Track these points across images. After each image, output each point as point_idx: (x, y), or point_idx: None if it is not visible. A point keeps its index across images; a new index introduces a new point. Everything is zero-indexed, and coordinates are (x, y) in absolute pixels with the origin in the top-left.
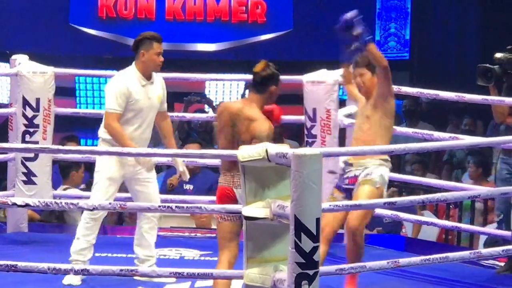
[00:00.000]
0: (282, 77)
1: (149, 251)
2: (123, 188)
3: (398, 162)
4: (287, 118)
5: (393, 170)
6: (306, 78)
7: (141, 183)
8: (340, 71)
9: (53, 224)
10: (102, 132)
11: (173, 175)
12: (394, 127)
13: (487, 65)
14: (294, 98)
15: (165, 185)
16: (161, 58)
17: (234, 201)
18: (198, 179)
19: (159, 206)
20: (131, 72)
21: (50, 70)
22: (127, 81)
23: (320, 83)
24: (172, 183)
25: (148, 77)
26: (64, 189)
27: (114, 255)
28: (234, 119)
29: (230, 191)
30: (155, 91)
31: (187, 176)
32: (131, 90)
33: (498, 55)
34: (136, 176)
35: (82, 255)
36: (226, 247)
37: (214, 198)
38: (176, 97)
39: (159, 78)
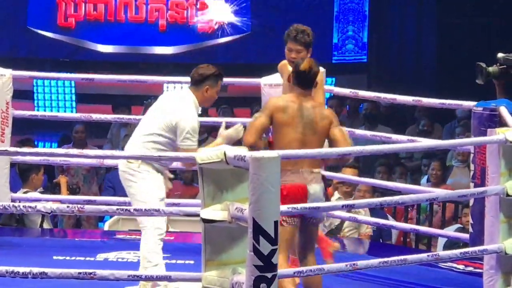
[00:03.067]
0: (239, 79)
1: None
2: (81, 191)
3: (368, 165)
4: (243, 120)
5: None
6: (263, 81)
7: None
8: None
9: (13, 228)
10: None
11: None
12: (353, 129)
13: (481, 63)
14: (251, 101)
15: (107, 191)
16: None
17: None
18: None
19: (117, 209)
20: (192, 102)
21: (8, 72)
22: (196, 114)
23: (277, 86)
24: None
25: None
26: (24, 192)
27: (73, 258)
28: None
29: (304, 188)
30: None
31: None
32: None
33: (499, 54)
34: None
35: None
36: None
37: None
38: (135, 100)
39: None
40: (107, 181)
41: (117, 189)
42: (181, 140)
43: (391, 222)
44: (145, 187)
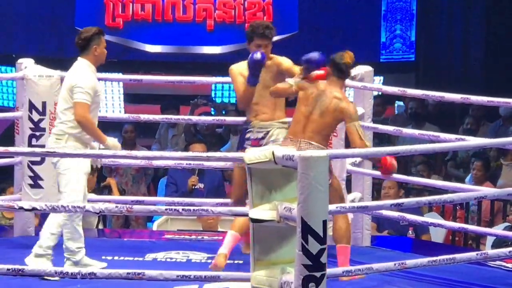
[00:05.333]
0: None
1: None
2: (130, 191)
3: (404, 163)
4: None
5: (399, 171)
6: None
7: None
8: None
9: None
10: (67, 127)
11: (189, 177)
12: (401, 128)
13: None
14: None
15: (170, 187)
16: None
17: None
18: (207, 177)
19: (166, 209)
20: (87, 66)
21: (56, 73)
22: (92, 75)
23: None
24: (193, 183)
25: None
26: None
27: (122, 258)
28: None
29: None
30: None
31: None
32: (96, 83)
33: None
34: None
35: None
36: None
37: (222, 200)
38: (183, 100)
39: None
40: (170, 177)
41: (179, 185)
42: (74, 95)
43: (438, 220)
44: (67, 163)
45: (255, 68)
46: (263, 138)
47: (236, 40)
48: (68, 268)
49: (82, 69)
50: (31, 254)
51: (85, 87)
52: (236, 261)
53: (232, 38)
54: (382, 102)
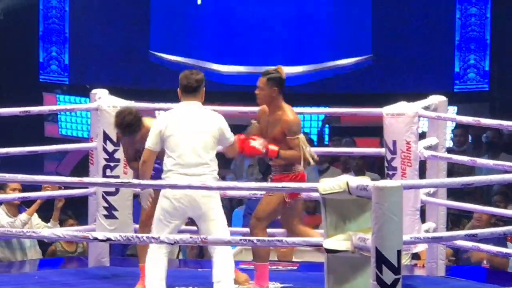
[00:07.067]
0: (360, 110)
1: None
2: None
3: (481, 193)
4: (367, 150)
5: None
6: (385, 110)
7: None
8: (419, 103)
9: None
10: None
11: None
12: (475, 159)
13: None
14: (373, 131)
15: (247, 218)
16: None
17: None
18: None
19: (241, 240)
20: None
21: (131, 104)
22: None
23: (399, 115)
24: None
25: None
26: None
27: None
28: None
29: None
30: None
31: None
32: None
33: None
34: None
35: None
36: None
37: None
38: None
39: None
40: (247, 207)
41: None
42: (228, 134)
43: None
44: (218, 203)
45: None
46: None
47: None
48: None
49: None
50: None
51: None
52: None
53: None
54: (464, 133)
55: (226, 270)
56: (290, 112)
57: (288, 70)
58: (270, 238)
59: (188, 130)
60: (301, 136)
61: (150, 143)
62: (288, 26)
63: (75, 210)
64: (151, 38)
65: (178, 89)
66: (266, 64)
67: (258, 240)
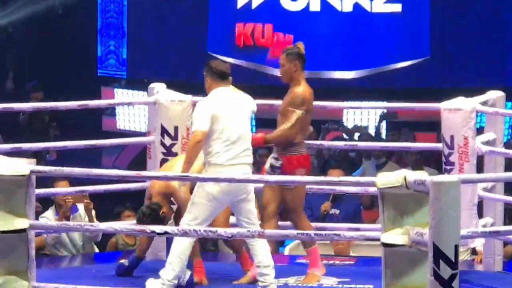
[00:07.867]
0: (419, 104)
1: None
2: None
3: None
4: (425, 145)
5: None
6: (443, 105)
7: None
8: (477, 98)
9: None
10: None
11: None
12: None
13: None
14: (430, 125)
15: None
16: None
17: None
18: (344, 203)
19: (298, 233)
20: None
21: (188, 98)
22: None
23: (457, 111)
24: (326, 209)
25: None
26: None
27: None
28: None
29: None
30: None
31: None
32: None
33: None
34: None
35: None
36: None
37: (356, 225)
38: (314, 124)
39: None
40: (306, 201)
41: (315, 209)
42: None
43: None
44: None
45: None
46: None
47: (368, 65)
48: None
49: None
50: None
51: None
52: (366, 286)
53: (364, 63)
54: None
55: (269, 254)
56: (303, 87)
57: (345, 75)
58: (327, 232)
59: (239, 113)
60: (299, 112)
61: (203, 124)
62: (345, 30)
63: (132, 202)
64: (208, 40)
65: (208, 77)
66: (324, 68)
67: (315, 234)
